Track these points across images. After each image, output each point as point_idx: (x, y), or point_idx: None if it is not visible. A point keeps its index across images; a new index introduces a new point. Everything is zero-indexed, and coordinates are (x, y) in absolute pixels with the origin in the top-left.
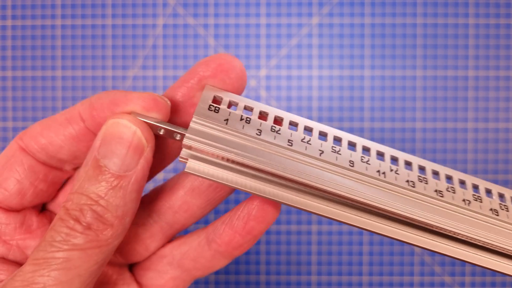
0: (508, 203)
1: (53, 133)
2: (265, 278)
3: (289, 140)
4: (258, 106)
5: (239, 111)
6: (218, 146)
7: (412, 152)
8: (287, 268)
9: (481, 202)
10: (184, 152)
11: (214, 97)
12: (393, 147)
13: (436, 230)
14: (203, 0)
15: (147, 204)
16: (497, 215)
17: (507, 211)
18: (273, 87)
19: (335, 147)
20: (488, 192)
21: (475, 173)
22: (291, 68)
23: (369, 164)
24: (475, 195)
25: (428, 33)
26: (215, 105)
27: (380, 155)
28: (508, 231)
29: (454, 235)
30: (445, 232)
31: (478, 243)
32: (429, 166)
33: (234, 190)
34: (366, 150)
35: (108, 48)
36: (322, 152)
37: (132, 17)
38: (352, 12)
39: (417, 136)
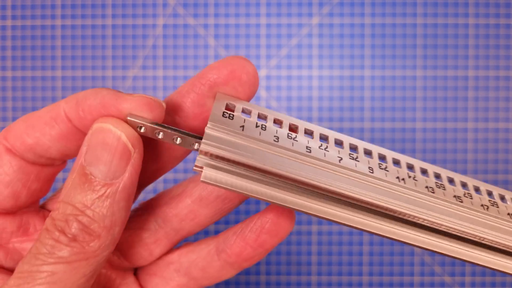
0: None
1: (39, 133)
2: (265, 278)
3: (307, 147)
4: (272, 114)
5: (253, 118)
6: (237, 152)
7: (412, 152)
8: (287, 268)
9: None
10: (200, 160)
11: (227, 104)
12: (394, 147)
13: (443, 230)
14: (203, 0)
15: (153, 209)
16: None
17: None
18: (273, 87)
19: (352, 154)
20: (490, 194)
21: (475, 173)
22: (291, 68)
23: (387, 170)
24: (468, 193)
25: (428, 33)
26: (229, 112)
27: (397, 162)
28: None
29: (460, 234)
30: (452, 232)
31: (475, 239)
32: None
33: (243, 201)
34: (382, 158)
35: (108, 48)
36: (341, 158)
37: (132, 17)
38: (352, 12)
39: (417, 136)
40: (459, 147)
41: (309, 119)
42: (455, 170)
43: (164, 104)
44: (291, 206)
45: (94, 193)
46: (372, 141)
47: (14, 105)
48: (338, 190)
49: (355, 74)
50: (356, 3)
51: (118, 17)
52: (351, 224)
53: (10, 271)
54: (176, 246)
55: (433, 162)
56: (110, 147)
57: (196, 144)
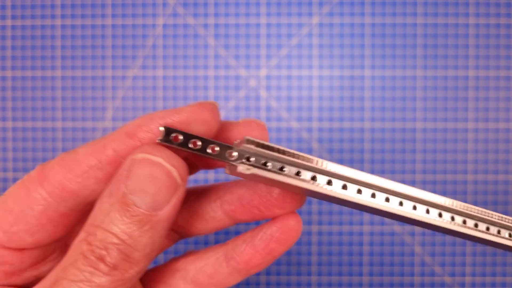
0: None
1: (81, 178)
2: (265, 279)
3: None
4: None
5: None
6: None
7: (413, 152)
8: (288, 268)
9: None
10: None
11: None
12: (394, 147)
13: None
14: (203, 0)
15: None
16: None
17: None
18: (273, 87)
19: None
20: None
21: (475, 173)
22: (291, 68)
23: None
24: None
25: (428, 33)
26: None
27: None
28: None
29: None
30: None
31: None
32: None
33: None
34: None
35: (108, 48)
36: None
37: (132, 17)
38: (352, 12)
39: (418, 136)
40: (459, 147)
41: (309, 119)
42: (456, 171)
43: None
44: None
45: (137, 223)
46: (372, 141)
47: (14, 105)
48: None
49: (355, 74)
50: (356, 3)
51: (118, 16)
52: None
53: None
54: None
55: (433, 162)
56: (158, 180)
57: (234, 153)
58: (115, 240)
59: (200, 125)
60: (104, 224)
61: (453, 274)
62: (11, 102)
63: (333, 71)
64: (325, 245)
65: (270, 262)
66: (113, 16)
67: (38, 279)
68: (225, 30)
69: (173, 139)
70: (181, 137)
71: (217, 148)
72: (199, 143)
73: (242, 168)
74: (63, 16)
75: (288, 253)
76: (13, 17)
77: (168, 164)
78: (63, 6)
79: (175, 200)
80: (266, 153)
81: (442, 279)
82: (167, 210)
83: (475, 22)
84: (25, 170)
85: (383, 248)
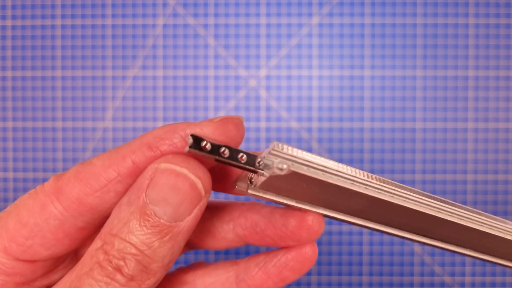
0: None
1: (100, 192)
2: None
3: None
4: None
5: None
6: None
7: (412, 152)
8: None
9: None
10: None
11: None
12: (393, 147)
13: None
14: (203, 0)
15: None
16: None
17: None
18: (273, 87)
19: None
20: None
21: (475, 173)
22: (291, 68)
23: None
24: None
25: (428, 33)
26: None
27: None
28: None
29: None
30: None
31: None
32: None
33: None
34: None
35: (108, 48)
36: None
37: (132, 17)
38: (352, 12)
39: (417, 136)
40: (459, 147)
41: (309, 119)
42: (455, 170)
43: (243, 120)
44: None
45: (156, 234)
46: (371, 141)
47: (14, 105)
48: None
49: (355, 74)
50: (356, 3)
51: (118, 17)
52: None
53: None
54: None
55: (433, 162)
56: (182, 192)
57: (261, 176)
58: (134, 251)
59: (225, 141)
60: (122, 234)
61: (452, 274)
62: (12, 102)
63: (332, 71)
64: (324, 245)
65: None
66: (113, 16)
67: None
68: (225, 30)
69: (202, 148)
70: (209, 146)
71: (244, 157)
72: (227, 152)
73: (276, 169)
74: (63, 16)
75: None
76: (13, 17)
77: (193, 175)
78: (63, 6)
79: (197, 211)
80: (296, 159)
81: (442, 279)
82: (189, 221)
83: (475, 22)
84: (25, 170)
85: (382, 247)
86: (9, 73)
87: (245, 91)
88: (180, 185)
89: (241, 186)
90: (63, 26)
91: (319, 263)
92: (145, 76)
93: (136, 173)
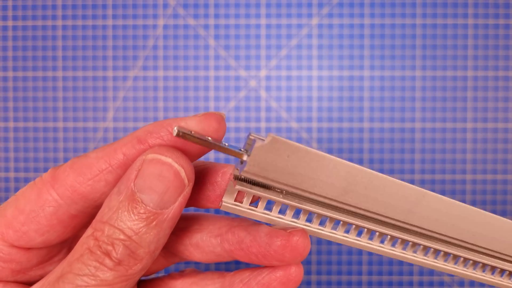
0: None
1: (92, 181)
2: None
3: None
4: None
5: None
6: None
7: (412, 152)
8: None
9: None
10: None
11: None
12: (393, 147)
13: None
14: (203, 1)
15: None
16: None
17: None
18: (273, 87)
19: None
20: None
21: (474, 173)
22: (291, 68)
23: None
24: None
25: (428, 33)
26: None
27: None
28: None
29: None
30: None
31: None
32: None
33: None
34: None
35: (109, 49)
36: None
37: (132, 18)
38: (351, 13)
39: (417, 136)
40: (458, 147)
41: (309, 119)
42: (454, 170)
43: (224, 117)
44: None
45: (143, 221)
46: (371, 141)
47: (15, 105)
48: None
49: (355, 74)
50: (356, 4)
51: (119, 17)
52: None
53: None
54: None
55: (432, 162)
56: (167, 180)
57: (245, 156)
58: (122, 236)
59: (209, 134)
60: (112, 221)
61: (452, 274)
62: (13, 102)
63: (332, 72)
64: (324, 244)
65: None
66: (114, 16)
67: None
68: (225, 31)
69: (188, 134)
70: (194, 133)
71: (227, 144)
72: (211, 139)
73: (259, 140)
74: (64, 17)
75: None
76: (14, 18)
77: (177, 164)
78: (64, 6)
79: (181, 200)
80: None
81: (441, 278)
82: (174, 209)
83: (474, 23)
84: (27, 170)
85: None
86: (10, 74)
87: (245, 92)
88: (165, 174)
89: (227, 201)
90: (64, 27)
91: (318, 262)
92: (146, 76)
93: (127, 164)
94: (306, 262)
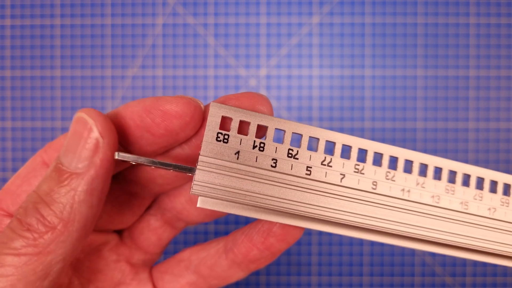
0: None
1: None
2: (265, 279)
3: (307, 167)
4: (273, 123)
5: (251, 136)
6: (229, 197)
7: None
8: (288, 268)
9: (507, 206)
10: (195, 189)
11: (222, 118)
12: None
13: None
14: (202, 0)
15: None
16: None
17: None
18: (273, 86)
19: (358, 165)
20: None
21: None
22: (292, 67)
23: (394, 181)
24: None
25: (429, 32)
26: (224, 132)
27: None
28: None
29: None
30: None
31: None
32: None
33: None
34: (377, 162)
35: (107, 48)
36: (344, 176)
37: (131, 17)
38: (352, 11)
39: (418, 136)
40: (460, 147)
41: (310, 119)
42: None
43: (202, 105)
44: (292, 224)
45: (59, 182)
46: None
47: (13, 104)
48: (345, 222)
49: (356, 73)
50: (357, 2)
51: (117, 16)
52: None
53: None
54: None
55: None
56: (80, 136)
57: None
58: (35, 198)
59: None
60: (36, 188)
61: (453, 274)
62: (10, 101)
63: (333, 71)
64: (325, 245)
65: (269, 259)
66: (113, 15)
67: None
68: (225, 29)
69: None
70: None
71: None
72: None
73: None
74: (62, 16)
75: (288, 253)
76: (12, 17)
77: (90, 118)
78: (62, 5)
79: (97, 160)
80: None
81: (443, 279)
82: (89, 170)
83: (476, 22)
84: None
85: (383, 248)
86: (7, 73)
87: (245, 91)
88: (78, 129)
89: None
90: (62, 26)
91: (319, 263)
92: (145, 75)
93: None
94: (307, 263)
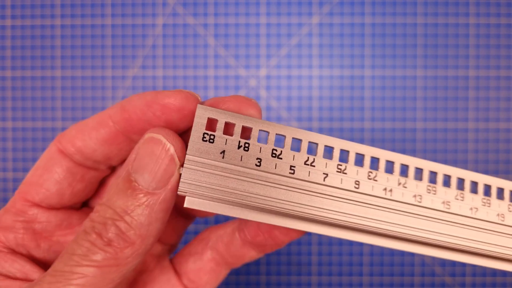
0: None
1: (87, 137)
2: (265, 279)
3: (291, 166)
4: (258, 125)
5: (236, 136)
6: (215, 194)
7: (413, 152)
8: (288, 268)
9: (489, 206)
10: (182, 188)
11: (208, 119)
12: (394, 147)
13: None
14: (202, 0)
15: None
16: (503, 221)
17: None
18: (273, 86)
19: (340, 166)
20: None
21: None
22: (291, 67)
23: (376, 180)
24: (484, 199)
25: (429, 32)
26: (210, 132)
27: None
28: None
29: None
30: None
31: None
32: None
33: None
34: (359, 159)
35: (108, 48)
36: (326, 175)
37: (131, 17)
38: (352, 12)
39: (418, 136)
40: (459, 147)
41: (309, 119)
42: None
43: (199, 98)
44: (282, 225)
45: (136, 200)
46: (372, 141)
47: (13, 105)
48: (328, 220)
49: (355, 73)
50: (356, 3)
51: (118, 16)
52: (344, 238)
53: (50, 264)
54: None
55: (433, 162)
56: (157, 157)
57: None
58: (114, 216)
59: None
60: (108, 202)
61: (453, 274)
62: (11, 102)
63: (333, 71)
64: (325, 245)
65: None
66: (113, 15)
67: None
68: (225, 29)
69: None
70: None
71: None
72: None
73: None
74: (62, 16)
75: (288, 253)
76: (13, 17)
77: (168, 141)
78: (62, 5)
79: (173, 181)
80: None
81: (442, 279)
82: (166, 190)
83: (476, 22)
84: (25, 170)
85: (383, 248)
86: (8, 73)
87: (245, 91)
88: (156, 151)
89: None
90: (63, 26)
91: (319, 263)
92: (145, 76)
93: (112, 125)
94: (307, 263)
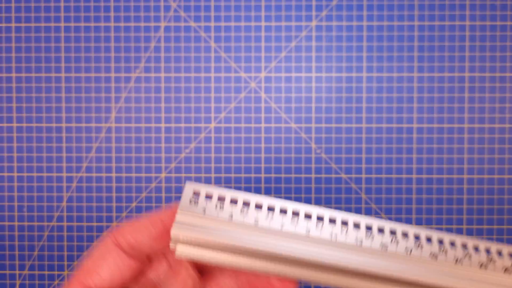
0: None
1: (140, 234)
2: None
3: (255, 219)
4: (228, 195)
5: (214, 201)
6: (199, 239)
7: (409, 152)
8: None
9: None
10: (172, 243)
11: (194, 190)
12: (391, 147)
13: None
14: (204, 4)
15: None
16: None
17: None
18: (272, 88)
19: (294, 219)
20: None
21: (471, 173)
22: (290, 70)
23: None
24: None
25: (425, 35)
26: (195, 197)
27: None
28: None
29: None
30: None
31: None
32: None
33: None
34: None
35: (111, 50)
36: (283, 225)
37: (134, 20)
38: (350, 15)
39: (414, 137)
40: (455, 147)
41: (308, 120)
42: (452, 170)
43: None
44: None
45: None
46: (369, 141)
47: (18, 105)
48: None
49: (353, 75)
50: (354, 6)
51: (121, 19)
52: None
53: None
54: None
55: (430, 162)
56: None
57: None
58: None
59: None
60: None
61: None
62: (16, 103)
63: (331, 73)
64: None
65: None
66: (116, 19)
67: None
68: (226, 33)
69: None
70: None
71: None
72: None
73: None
74: (66, 19)
75: None
76: (17, 20)
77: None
78: (66, 8)
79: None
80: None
81: None
82: None
83: (471, 24)
84: (29, 170)
85: None
86: (13, 74)
87: (246, 93)
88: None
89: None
90: (67, 28)
91: None
92: (148, 77)
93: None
94: None
